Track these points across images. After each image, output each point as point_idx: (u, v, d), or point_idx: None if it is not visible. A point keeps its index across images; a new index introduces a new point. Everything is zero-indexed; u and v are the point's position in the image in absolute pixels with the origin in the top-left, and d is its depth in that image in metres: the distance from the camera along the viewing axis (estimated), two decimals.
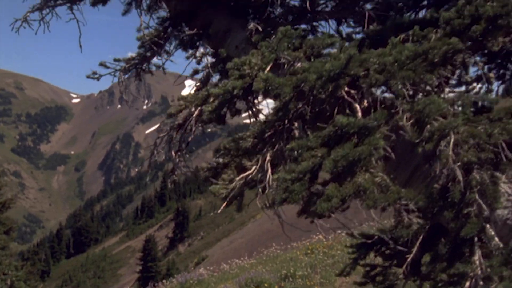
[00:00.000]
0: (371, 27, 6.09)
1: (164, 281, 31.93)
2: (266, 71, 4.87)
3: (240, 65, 4.73)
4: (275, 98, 4.35)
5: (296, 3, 6.43)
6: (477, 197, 4.30)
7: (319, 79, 4.36)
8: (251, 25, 5.54)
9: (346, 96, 4.50)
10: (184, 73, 6.25)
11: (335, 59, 4.64)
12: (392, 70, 4.18)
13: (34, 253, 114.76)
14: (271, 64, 4.94)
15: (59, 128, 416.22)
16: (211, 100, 4.74)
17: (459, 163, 4.22)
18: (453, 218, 4.32)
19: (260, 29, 5.43)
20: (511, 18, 4.82)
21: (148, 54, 6.09)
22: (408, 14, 8.76)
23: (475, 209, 4.29)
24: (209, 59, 6.10)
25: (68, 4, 6.50)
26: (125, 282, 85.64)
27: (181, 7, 6.42)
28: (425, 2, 8.32)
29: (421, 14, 8.70)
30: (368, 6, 6.69)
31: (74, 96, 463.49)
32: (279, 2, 5.85)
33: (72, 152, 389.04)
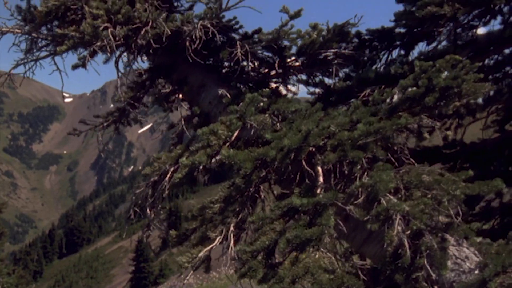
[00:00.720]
0: (337, 84, 6.44)
1: None
2: (233, 138, 5.21)
3: (208, 133, 5.05)
4: (238, 171, 4.68)
5: (270, 54, 6.75)
6: (425, 262, 4.66)
7: (279, 152, 4.70)
8: (221, 91, 5.86)
9: (305, 166, 4.83)
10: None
11: (297, 128, 4.98)
12: (345, 148, 4.51)
13: (26, 254, 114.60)
14: (238, 131, 5.27)
15: (51, 127, 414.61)
16: (183, 164, 5.06)
17: (408, 232, 4.57)
18: (404, 282, 4.66)
19: (229, 95, 5.75)
20: (462, 89, 5.17)
21: (126, 109, 6.39)
22: (382, 53, 9.15)
23: (423, 273, 4.65)
24: (183, 112, 6.41)
25: (51, 56, 6.77)
26: (118, 282, 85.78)
27: (158, 61, 6.74)
28: (397, 43, 8.70)
29: (395, 52, 9.10)
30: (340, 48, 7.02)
31: (67, 95, 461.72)
32: (249, 60, 6.15)
33: (65, 152, 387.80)
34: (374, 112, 5.45)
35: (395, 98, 5.63)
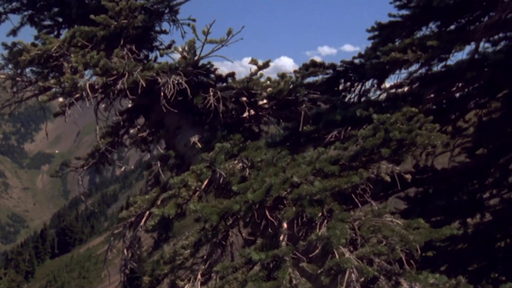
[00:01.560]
0: (305, 128, 6.80)
1: None
2: (203, 187, 5.59)
3: (179, 184, 5.43)
4: (205, 222, 5.05)
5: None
6: None
7: (243, 204, 5.08)
8: (193, 140, 6.23)
9: (269, 217, 5.21)
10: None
11: (262, 180, 5.35)
12: (303, 203, 4.90)
13: (18, 254, 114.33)
14: (208, 179, 5.65)
15: (43, 127, 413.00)
16: (154, 214, 5.43)
17: (362, 279, 4.96)
18: None
19: (200, 144, 6.12)
20: (417, 141, 5.57)
21: (105, 153, 6.74)
22: (356, 84, 9.54)
23: None
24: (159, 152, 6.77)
25: (35, 96, 7.11)
26: (110, 282, 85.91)
27: (137, 102, 7.09)
28: (369, 75, 9.09)
29: (368, 84, 9.48)
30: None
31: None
32: (222, 104, 6.52)
33: (57, 151, 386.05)
34: (337, 159, 5.83)
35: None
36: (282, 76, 6.58)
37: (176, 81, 5.97)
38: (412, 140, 5.47)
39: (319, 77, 9.36)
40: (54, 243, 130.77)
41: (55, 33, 8.29)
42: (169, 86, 5.92)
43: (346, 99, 9.35)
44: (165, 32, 8.11)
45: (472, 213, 9.01)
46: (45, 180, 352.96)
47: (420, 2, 8.27)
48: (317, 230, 5.18)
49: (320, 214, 5.04)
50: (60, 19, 7.86)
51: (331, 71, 9.32)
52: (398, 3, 9.40)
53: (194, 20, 8.14)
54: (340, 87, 9.47)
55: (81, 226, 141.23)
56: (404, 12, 8.71)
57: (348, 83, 9.36)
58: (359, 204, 6.13)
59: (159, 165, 6.55)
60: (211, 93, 6.38)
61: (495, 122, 9.60)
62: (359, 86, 9.37)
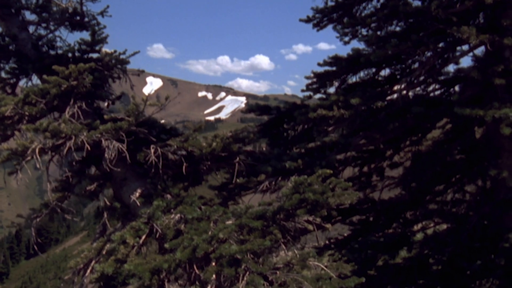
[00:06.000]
0: (238, 180, 7.54)
1: None
2: (141, 242, 6.31)
3: (119, 241, 6.13)
4: (140, 279, 5.76)
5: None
6: None
7: (173, 262, 5.81)
8: (134, 197, 6.94)
9: (196, 271, 5.95)
10: None
11: (191, 238, 6.08)
12: (222, 263, 5.65)
13: None
14: (146, 234, 6.37)
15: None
16: (96, 269, 6.13)
17: None
18: None
19: (139, 203, 6.83)
20: (329, 202, 6.33)
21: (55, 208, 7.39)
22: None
23: None
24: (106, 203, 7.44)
25: None
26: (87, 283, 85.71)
27: (88, 153, 7.74)
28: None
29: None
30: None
31: None
32: (162, 160, 7.22)
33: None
34: (262, 214, 6.58)
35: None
36: (216, 136, 7.31)
37: (117, 146, 6.65)
38: (324, 201, 6.24)
39: (265, 117, 10.21)
40: (30, 243, 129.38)
41: (14, 80, 8.86)
42: (110, 152, 6.61)
43: (290, 137, 10.17)
44: (118, 77, 8.77)
45: (399, 248, 9.83)
46: (19, 179, 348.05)
47: (353, 53, 9.02)
48: (240, 282, 5.94)
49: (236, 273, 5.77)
50: (17, 72, 8.43)
51: (274, 112, 10.14)
52: (343, 37, 10.26)
53: (143, 71, 8.83)
54: (285, 126, 10.28)
55: (57, 226, 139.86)
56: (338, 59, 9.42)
57: (292, 124, 10.10)
58: (285, 250, 6.94)
59: (105, 215, 7.23)
60: (152, 151, 7.07)
61: (426, 158, 10.45)
62: (301, 126, 10.12)
